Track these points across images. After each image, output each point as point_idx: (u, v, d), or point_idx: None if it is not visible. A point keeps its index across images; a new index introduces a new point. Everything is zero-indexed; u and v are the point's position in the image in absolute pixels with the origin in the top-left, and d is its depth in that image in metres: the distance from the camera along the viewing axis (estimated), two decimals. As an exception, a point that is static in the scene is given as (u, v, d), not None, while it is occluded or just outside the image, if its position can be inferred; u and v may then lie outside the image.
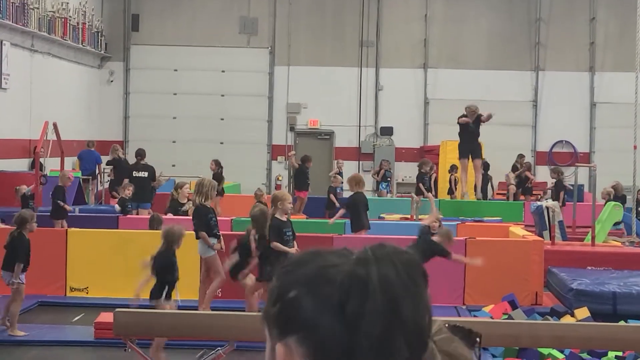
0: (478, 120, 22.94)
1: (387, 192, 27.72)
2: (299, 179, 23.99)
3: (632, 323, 10.71)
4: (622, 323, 10.26)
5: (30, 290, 13.42)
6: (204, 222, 12.51)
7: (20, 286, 11.66)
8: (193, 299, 12.62)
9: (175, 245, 10.48)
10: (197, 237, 12.58)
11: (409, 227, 17.72)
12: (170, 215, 17.24)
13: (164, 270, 10.27)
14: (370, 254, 1.55)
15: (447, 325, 1.66)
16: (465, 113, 23.22)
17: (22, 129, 24.31)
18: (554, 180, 23.86)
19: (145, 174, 20.23)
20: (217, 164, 24.13)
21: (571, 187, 23.25)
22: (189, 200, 17.51)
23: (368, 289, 1.50)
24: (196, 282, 12.76)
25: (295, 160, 24.59)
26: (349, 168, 29.73)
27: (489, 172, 26.70)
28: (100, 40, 30.96)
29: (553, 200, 21.77)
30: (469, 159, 23.15)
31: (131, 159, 23.45)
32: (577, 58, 31.62)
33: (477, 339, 1.67)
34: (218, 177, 23.18)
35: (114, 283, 14.20)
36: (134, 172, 20.72)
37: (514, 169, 27.72)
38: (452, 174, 26.17)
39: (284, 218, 12.29)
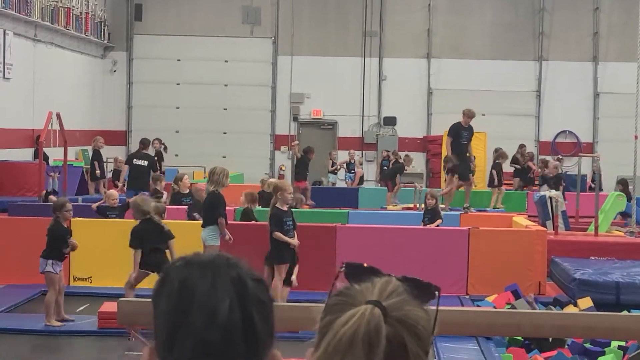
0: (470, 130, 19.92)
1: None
2: (300, 169, 24.05)
3: (635, 313, 10.71)
4: (625, 313, 10.26)
5: (34, 280, 13.44)
6: (223, 209, 12.58)
7: (51, 275, 11.62)
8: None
9: None
10: (204, 225, 12.56)
11: (411, 217, 17.76)
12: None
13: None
14: (188, 261, 1.66)
15: (401, 279, 1.61)
16: (465, 118, 19.74)
17: (25, 118, 24.32)
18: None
19: (145, 163, 20.22)
20: (160, 142, 24.73)
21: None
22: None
23: (172, 289, 1.62)
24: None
25: (299, 150, 24.62)
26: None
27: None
28: (103, 30, 30.94)
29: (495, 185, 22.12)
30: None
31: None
32: (581, 48, 31.58)
33: (436, 292, 1.62)
34: (159, 155, 23.67)
35: (118, 272, 14.21)
36: (135, 159, 20.76)
37: (515, 160, 27.69)
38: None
39: (284, 208, 12.32)
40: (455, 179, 19.92)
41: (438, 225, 16.11)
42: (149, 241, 11.68)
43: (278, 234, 12.12)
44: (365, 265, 1.65)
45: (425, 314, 1.58)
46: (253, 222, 15.05)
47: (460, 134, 19.54)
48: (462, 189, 20.21)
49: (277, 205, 12.29)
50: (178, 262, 1.67)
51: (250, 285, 1.62)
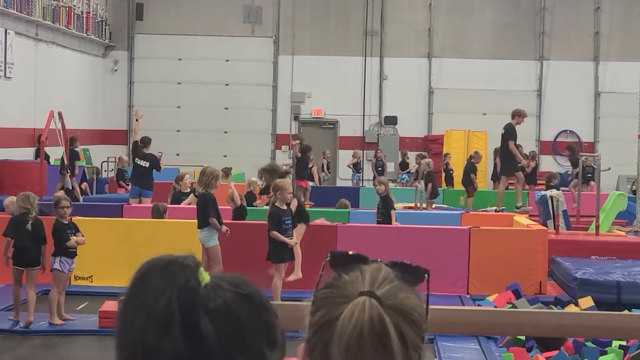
0: None
1: (407, 182, 27.58)
2: (300, 168, 24.04)
3: (636, 312, 10.71)
4: (626, 312, 10.26)
5: (36, 279, 13.42)
6: (213, 209, 12.51)
7: (58, 273, 11.64)
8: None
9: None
10: (199, 227, 12.55)
11: (412, 216, 17.76)
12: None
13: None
14: (147, 264, 1.57)
15: (390, 264, 1.58)
16: (518, 118, 20.08)
17: (26, 117, 24.32)
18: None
19: (147, 164, 20.23)
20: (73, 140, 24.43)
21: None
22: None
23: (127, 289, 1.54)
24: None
25: (299, 150, 24.61)
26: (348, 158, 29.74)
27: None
28: (105, 29, 30.95)
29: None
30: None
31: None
32: (582, 47, 31.57)
33: (426, 275, 1.58)
34: (73, 153, 23.29)
35: (119, 272, 14.21)
36: (136, 159, 20.84)
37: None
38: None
39: (283, 207, 12.30)
40: (517, 179, 20.35)
41: (395, 218, 15.75)
42: (23, 236, 11.67)
43: (275, 234, 12.11)
44: (350, 252, 1.62)
45: (418, 299, 1.55)
46: (251, 221, 15.03)
47: (516, 134, 20.08)
48: (511, 188, 20.65)
49: (277, 204, 12.28)
50: (142, 265, 1.58)
51: (203, 292, 1.49)
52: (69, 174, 21.91)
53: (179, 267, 1.53)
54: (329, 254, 1.61)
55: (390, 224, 15.45)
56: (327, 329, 1.51)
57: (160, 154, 21.25)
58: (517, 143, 28.34)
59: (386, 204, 15.74)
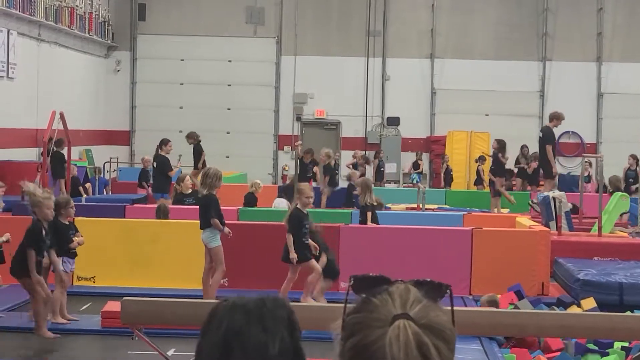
0: None
1: (418, 182, 27.50)
2: (300, 172, 24.08)
3: (639, 313, 10.71)
4: (628, 313, 10.26)
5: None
6: (215, 210, 12.51)
7: (60, 273, 11.67)
8: (198, 288, 12.63)
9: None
10: (202, 227, 12.54)
11: (415, 217, 17.75)
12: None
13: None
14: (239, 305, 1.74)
15: (414, 284, 1.59)
16: (555, 121, 19.82)
17: (29, 118, 24.33)
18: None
19: (155, 164, 20.42)
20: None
21: None
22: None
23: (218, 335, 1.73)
24: (200, 271, 12.70)
25: (301, 151, 24.64)
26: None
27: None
28: (107, 29, 30.97)
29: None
30: None
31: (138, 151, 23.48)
32: (585, 48, 31.56)
33: (448, 290, 1.60)
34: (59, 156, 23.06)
35: (121, 272, 14.23)
36: (153, 162, 21.02)
37: (517, 160, 27.75)
38: (479, 165, 26.33)
39: (304, 211, 12.41)
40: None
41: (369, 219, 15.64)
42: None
43: (289, 238, 12.22)
44: (372, 275, 1.62)
45: (445, 315, 1.56)
46: (256, 222, 15.03)
47: (554, 138, 19.89)
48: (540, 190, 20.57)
49: (298, 206, 12.41)
50: (225, 302, 1.74)
51: (297, 322, 1.67)
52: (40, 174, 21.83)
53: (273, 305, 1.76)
54: (351, 279, 1.62)
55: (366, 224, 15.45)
56: (364, 352, 1.52)
57: (179, 156, 21.25)
58: (524, 144, 28.46)
59: (365, 206, 15.76)
